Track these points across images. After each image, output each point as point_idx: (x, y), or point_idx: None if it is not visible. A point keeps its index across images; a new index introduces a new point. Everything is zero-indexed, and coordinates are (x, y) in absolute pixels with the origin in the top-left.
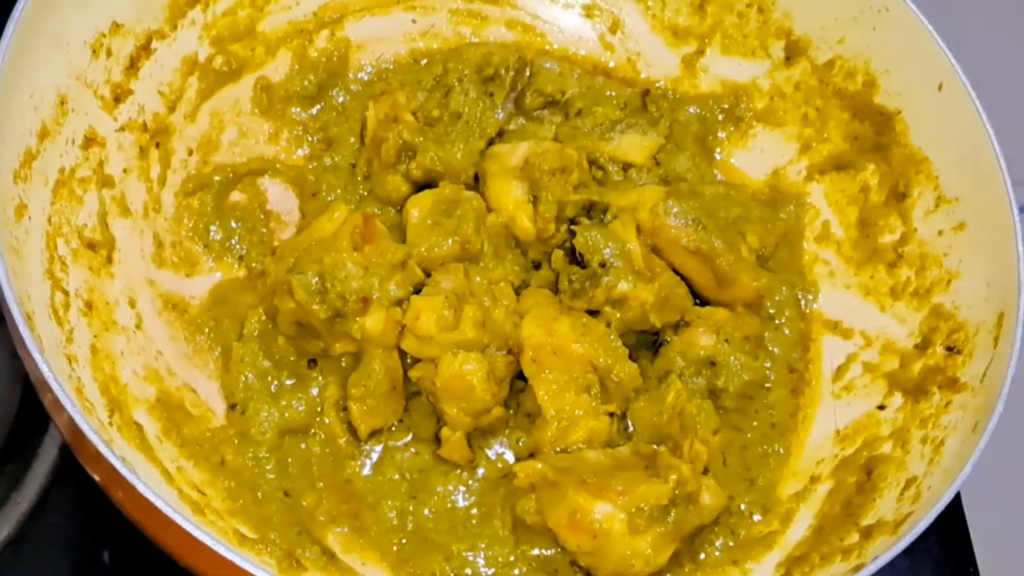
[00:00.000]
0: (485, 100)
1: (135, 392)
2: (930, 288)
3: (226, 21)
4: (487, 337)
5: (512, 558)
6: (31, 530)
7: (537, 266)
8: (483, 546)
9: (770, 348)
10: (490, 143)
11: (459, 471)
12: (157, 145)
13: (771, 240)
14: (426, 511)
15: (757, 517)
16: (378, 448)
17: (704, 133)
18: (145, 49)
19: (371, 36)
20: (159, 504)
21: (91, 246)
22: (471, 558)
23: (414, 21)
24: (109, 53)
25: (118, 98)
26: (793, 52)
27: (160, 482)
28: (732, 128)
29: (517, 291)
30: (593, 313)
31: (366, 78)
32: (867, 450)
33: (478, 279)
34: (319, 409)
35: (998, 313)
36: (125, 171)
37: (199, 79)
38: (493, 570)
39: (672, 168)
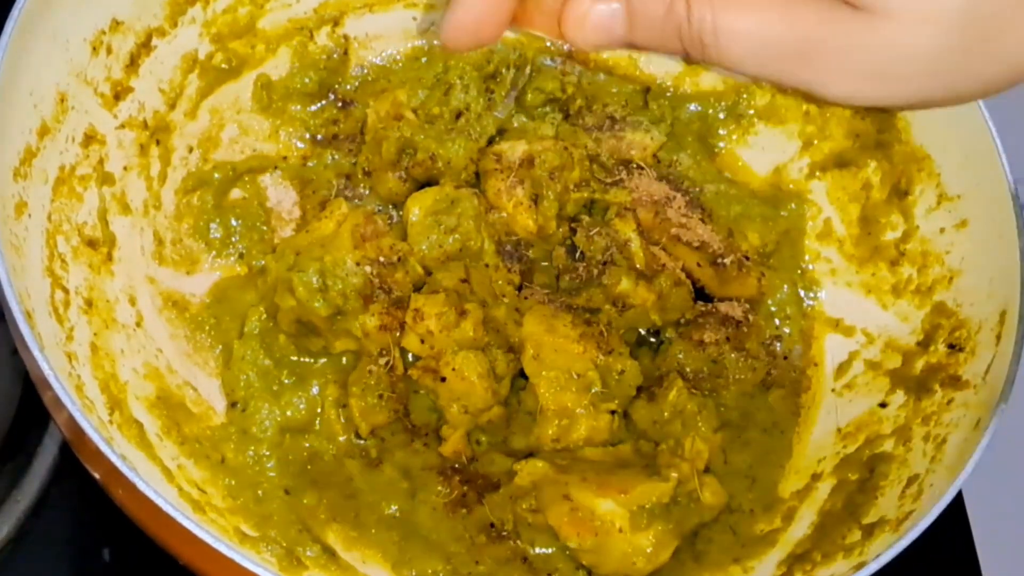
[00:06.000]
0: (486, 98)
1: (135, 390)
2: (932, 286)
3: (226, 18)
4: (488, 335)
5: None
6: (31, 528)
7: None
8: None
9: (771, 346)
10: (491, 141)
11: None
12: (157, 142)
13: (772, 238)
14: (427, 509)
15: (758, 514)
16: (379, 446)
17: (705, 131)
18: (145, 47)
19: (372, 33)
20: (159, 502)
21: (91, 244)
22: (472, 556)
23: (415, 19)
24: (109, 51)
25: (118, 95)
26: None
27: (160, 480)
28: (734, 125)
29: (518, 289)
30: (594, 311)
31: (367, 75)
32: (869, 448)
33: (479, 277)
34: (320, 407)
35: (1000, 310)
36: (125, 168)
37: (199, 76)
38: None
39: (673, 166)
